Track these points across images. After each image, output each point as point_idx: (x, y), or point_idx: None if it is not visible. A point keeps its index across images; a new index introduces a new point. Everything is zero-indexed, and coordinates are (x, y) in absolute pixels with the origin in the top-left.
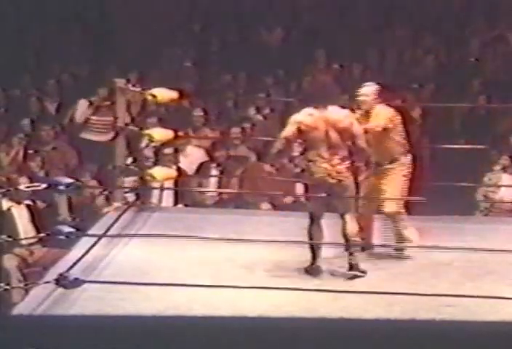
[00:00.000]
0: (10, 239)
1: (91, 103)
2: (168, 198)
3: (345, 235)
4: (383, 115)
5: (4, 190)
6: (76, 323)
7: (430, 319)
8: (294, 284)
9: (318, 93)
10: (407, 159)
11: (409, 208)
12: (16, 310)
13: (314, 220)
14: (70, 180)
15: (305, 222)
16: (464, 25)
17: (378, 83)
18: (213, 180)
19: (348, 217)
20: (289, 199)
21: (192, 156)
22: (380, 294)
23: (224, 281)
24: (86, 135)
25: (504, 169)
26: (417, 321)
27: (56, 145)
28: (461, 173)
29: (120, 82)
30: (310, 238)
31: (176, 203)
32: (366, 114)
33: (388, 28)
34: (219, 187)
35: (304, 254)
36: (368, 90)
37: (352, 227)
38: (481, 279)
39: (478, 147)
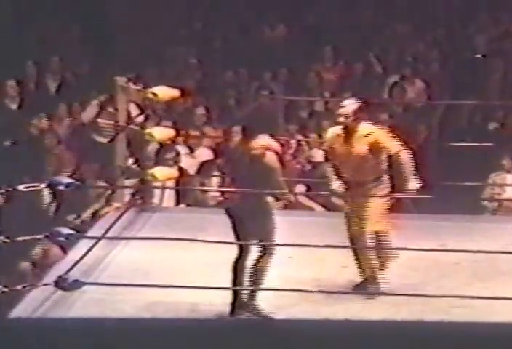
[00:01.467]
0: (8, 240)
1: (101, 105)
2: (170, 198)
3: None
4: (370, 135)
5: (3, 191)
6: (74, 326)
7: (438, 321)
8: (298, 285)
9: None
10: (386, 177)
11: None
12: (14, 313)
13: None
14: (69, 180)
15: (308, 221)
16: (469, 20)
17: (360, 99)
18: (215, 180)
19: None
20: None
21: (201, 157)
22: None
23: (225, 282)
24: (97, 137)
25: (508, 170)
26: (424, 323)
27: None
28: (470, 172)
29: (121, 80)
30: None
31: (178, 203)
32: (348, 133)
33: (389, 25)
34: (221, 187)
35: (305, 253)
36: (348, 109)
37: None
38: (490, 279)
39: (484, 145)
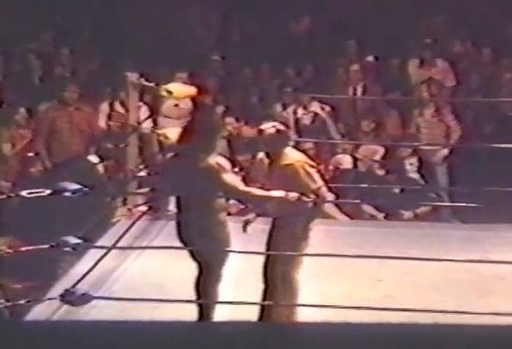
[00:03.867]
0: (10, 250)
1: (111, 107)
2: None
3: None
4: (290, 165)
5: (4, 197)
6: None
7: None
8: (326, 301)
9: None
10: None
11: None
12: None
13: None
14: (77, 186)
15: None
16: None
17: (281, 122)
18: None
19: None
20: None
21: None
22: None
23: (249, 295)
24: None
25: None
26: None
27: None
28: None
29: (132, 76)
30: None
31: None
32: (270, 160)
33: (423, 16)
34: None
35: (336, 266)
36: (265, 133)
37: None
38: None
39: None
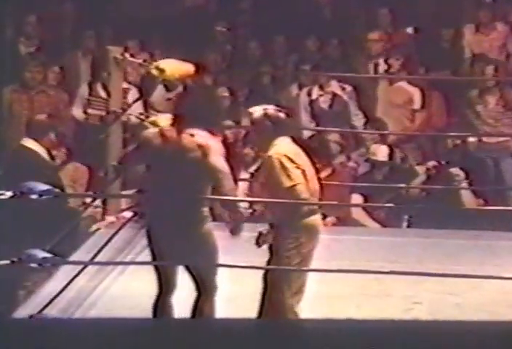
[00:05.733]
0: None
1: (91, 90)
2: None
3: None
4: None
5: None
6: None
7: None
8: None
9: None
10: None
11: None
12: None
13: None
14: (45, 187)
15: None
16: None
17: (277, 105)
18: (241, 186)
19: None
20: None
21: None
22: None
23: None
24: None
25: None
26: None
27: None
28: None
29: (115, 51)
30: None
31: None
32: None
33: None
34: (248, 195)
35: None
36: (253, 117)
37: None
38: None
39: None
